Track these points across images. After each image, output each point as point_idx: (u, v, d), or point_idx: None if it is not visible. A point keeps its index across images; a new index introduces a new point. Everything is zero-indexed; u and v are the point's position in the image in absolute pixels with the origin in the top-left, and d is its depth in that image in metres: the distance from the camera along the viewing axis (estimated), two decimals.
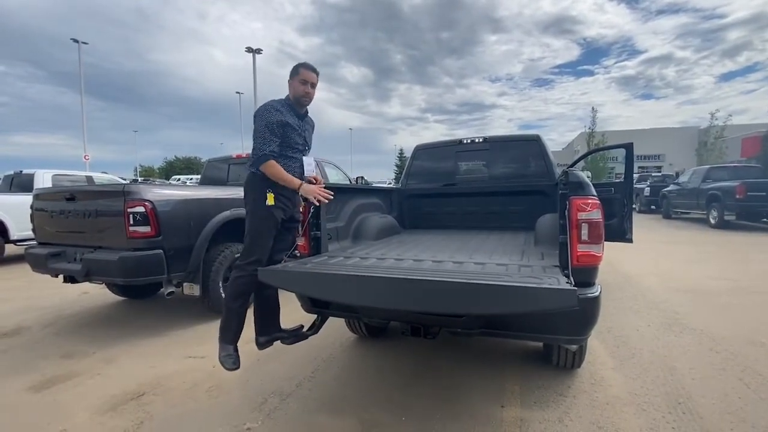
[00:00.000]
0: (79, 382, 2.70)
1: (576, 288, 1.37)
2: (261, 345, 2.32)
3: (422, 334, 2.03)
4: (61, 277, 3.71)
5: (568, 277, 1.63)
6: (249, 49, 22.80)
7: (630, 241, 3.77)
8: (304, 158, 2.28)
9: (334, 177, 6.37)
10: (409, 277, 1.61)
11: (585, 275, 1.77)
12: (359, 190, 3.46)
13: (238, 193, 4.11)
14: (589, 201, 1.77)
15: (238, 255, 4.06)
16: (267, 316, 2.38)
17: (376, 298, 1.69)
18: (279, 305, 2.45)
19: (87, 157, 24.03)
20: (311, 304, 2.37)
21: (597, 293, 1.75)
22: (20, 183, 8.13)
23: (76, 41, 28.26)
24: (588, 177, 1.94)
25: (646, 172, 27.35)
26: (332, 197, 2.25)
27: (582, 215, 1.76)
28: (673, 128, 40.18)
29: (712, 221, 10.38)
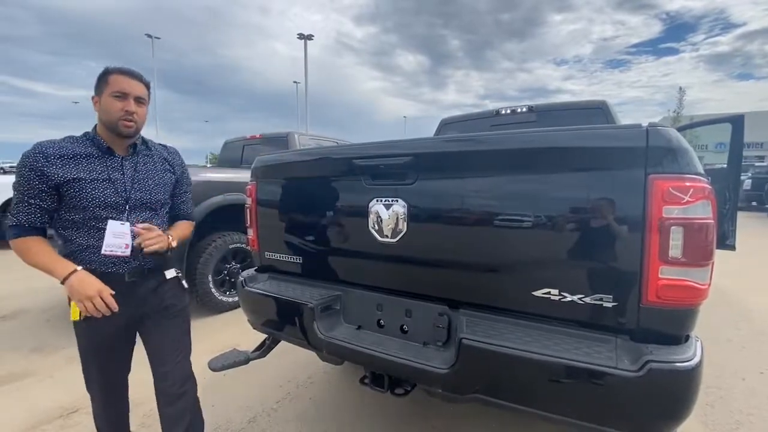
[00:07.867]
0: (25, 385, 2.40)
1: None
2: None
3: (386, 386, 1.32)
4: None
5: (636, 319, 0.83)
6: (301, 36, 22.73)
7: (732, 248, 2.73)
8: (109, 222, 1.28)
9: None
10: None
11: (670, 323, 0.95)
12: None
13: (236, 176, 3.68)
14: (688, 183, 0.92)
15: (234, 246, 3.68)
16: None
17: None
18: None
19: None
20: (261, 322, 1.77)
21: (694, 361, 0.91)
22: None
23: (150, 36, 30.53)
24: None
25: (746, 161, 23.32)
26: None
27: (672, 210, 0.92)
28: None
29: None
